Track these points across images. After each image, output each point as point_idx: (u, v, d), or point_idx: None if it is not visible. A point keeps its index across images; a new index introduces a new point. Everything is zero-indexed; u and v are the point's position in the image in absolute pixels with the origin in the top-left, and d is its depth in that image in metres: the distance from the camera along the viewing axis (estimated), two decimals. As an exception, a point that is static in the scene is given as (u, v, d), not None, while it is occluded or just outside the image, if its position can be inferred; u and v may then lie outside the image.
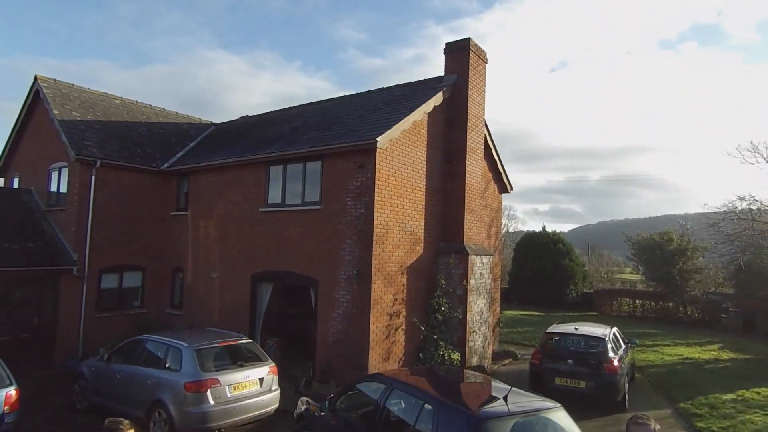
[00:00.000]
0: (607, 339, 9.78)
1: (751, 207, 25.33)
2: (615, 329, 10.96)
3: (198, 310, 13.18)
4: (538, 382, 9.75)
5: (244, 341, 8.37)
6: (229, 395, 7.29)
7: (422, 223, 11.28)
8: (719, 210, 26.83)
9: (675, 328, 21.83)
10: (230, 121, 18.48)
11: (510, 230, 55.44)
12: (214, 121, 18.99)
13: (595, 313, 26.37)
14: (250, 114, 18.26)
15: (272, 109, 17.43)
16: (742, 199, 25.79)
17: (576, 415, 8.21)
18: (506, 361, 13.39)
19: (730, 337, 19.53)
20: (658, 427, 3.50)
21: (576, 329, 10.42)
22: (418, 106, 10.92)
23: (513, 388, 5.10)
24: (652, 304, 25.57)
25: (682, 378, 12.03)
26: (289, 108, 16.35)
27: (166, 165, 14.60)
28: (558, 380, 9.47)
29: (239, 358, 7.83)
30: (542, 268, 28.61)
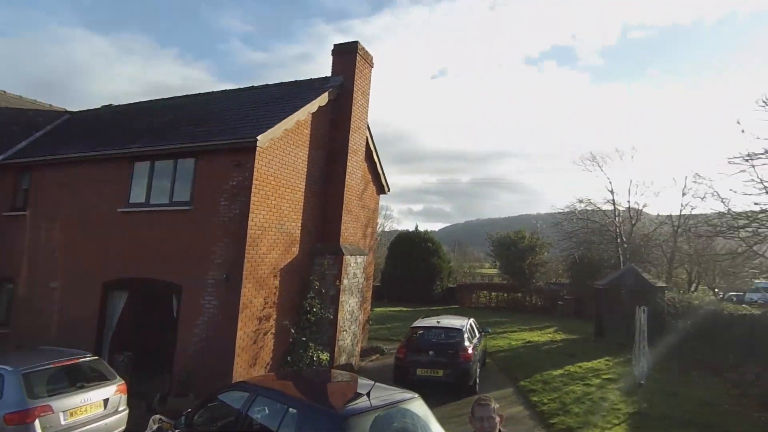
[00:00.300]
0: (464, 330, 10.77)
1: (587, 208, 29.78)
2: (472, 320, 12.10)
3: (31, 326, 11.52)
4: (402, 375, 10.34)
5: (87, 359, 7.51)
6: (63, 422, 6.48)
7: (299, 224, 11.24)
8: (563, 211, 31.07)
9: (522, 315, 24.73)
10: (89, 110, 16.40)
11: (386, 229, 57.52)
12: (70, 109, 16.68)
13: (457, 306, 28.69)
14: (116, 103, 16.41)
15: (141, 99, 15.89)
16: (581, 201, 30.18)
17: (433, 402, 8.93)
18: (374, 357, 13.95)
19: (565, 320, 22.72)
20: (497, 405, 3.95)
21: (438, 322, 11.29)
22: (303, 106, 10.87)
23: (376, 384, 5.33)
24: (505, 295, 28.63)
25: (524, 359, 13.70)
26: (162, 99, 15.04)
27: (2, 157, 12.54)
28: (420, 371, 10.15)
29: (80, 379, 7.02)
30: (413, 266, 30.25)
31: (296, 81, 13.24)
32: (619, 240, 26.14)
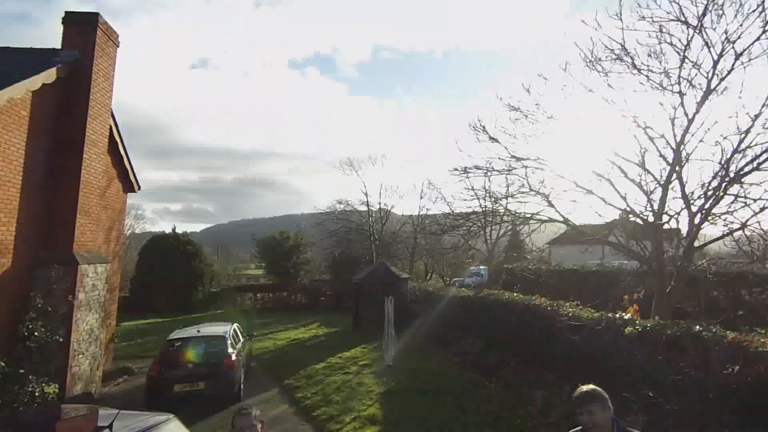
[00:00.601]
0: (227, 336, 10.31)
1: (346, 209, 32.33)
2: (235, 325, 11.70)
3: None
4: (156, 395, 9.28)
5: None
6: None
7: (13, 229, 8.87)
8: (325, 211, 32.94)
9: (288, 314, 25.21)
10: None
11: (136, 231, 50.94)
12: None
13: (221, 311, 27.43)
14: None
15: None
16: (340, 203, 32.52)
17: (196, 418, 8.38)
18: (120, 380, 12.14)
19: (327, 315, 24.09)
20: (258, 412, 3.87)
21: (198, 331, 10.52)
22: (20, 81, 8.56)
23: (121, 412, 4.62)
24: (271, 295, 28.73)
25: (289, 358, 14.01)
26: None
27: None
28: (178, 387, 9.30)
29: None
30: (171, 272, 27.54)
31: (11, 48, 10.56)
32: (372, 238, 29.24)
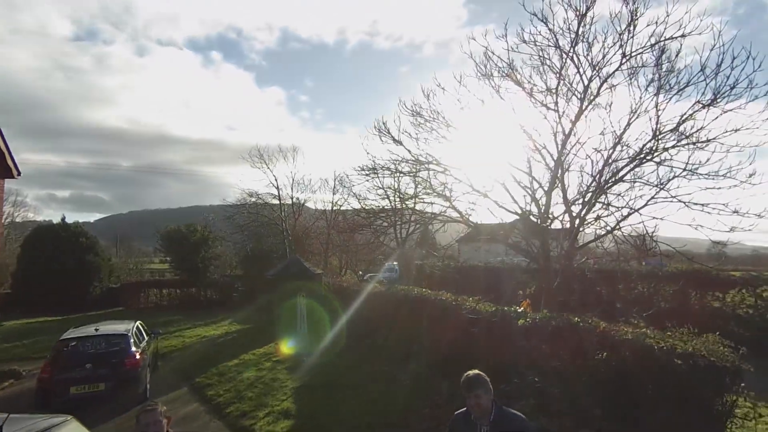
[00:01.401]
0: (129, 334, 9.84)
1: (258, 202, 31.55)
2: (138, 323, 11.16)
3: None
4: (49, 398, 8.67)
5: None
6: None
7: None
8: (234, 204, 31.90)
9: (197, 311, 24.18)
10: None
11: (17, 220, 45.75)
12: None
13: (121, 308, 25.65)
14: None
15: None
16: (251, 195, 31.67)
17: (97, 420, 7.96)
18: (6, 384, 11.08)
19: (240, 311, 23.45)
20: (164, 408, 3.92)
21: (97, 330, 9.91)
22: None
23: (11, 416, 4.38)
24: (178, 291, 27.32)
25: (200, 356, 13.62)
26: None
27: None
28: (74, 389, 8.76)
29: None
30: (61, 266, 25.18)
31: None
32: (285, 233, 28.93)
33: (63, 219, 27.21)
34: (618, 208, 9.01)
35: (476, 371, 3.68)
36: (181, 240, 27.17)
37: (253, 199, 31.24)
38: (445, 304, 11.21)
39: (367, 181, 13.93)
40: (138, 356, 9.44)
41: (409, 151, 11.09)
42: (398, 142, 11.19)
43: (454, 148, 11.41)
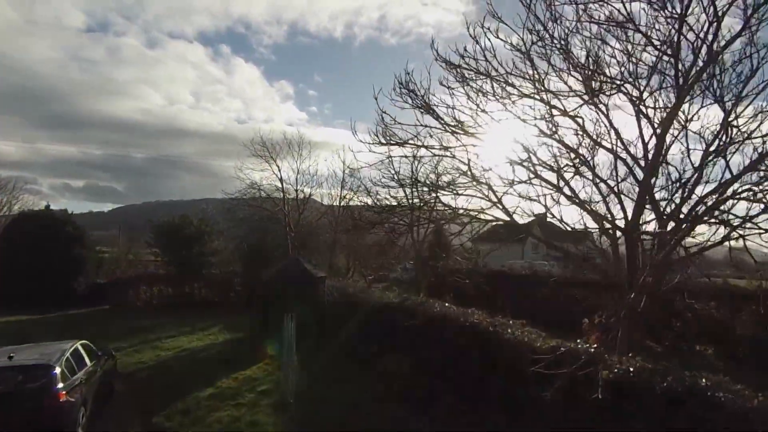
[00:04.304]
0: (55, 364, 7.29)
1: (261, 194, 29.06)
2: (79, 344, 8.66)
3: None
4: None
5: None
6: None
7: None
8: (235, 196, 29.50)
9: (189, 312, 21.62)
10: None
11: (34, 208, 43.33)
12: None
13: (107, 307, 23.38)
14: None
15: None
16: (253, 187, 29.21)
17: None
18: None
19: (235, 315, 20.78)
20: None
21: (11, 357, 7.36)
22: None
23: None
24: (170, 289, 24.89)
25: (171, 377, 11.13)
26: None
27: None
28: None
29: None
30: (44, 258, 22.96)
31: None
32: (288, 228, 26.44)
33: (47, 206, 24.94)
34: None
35: None
36: (174, 233, 24.75)
37: (256, 191, 28.75)
38: (480, 329, 8.57)
39: (382, 167, 11.19)
40: (64, 397, 6.92)
41: (439, 119, 8.17)
42: (427, 107, 8.09)
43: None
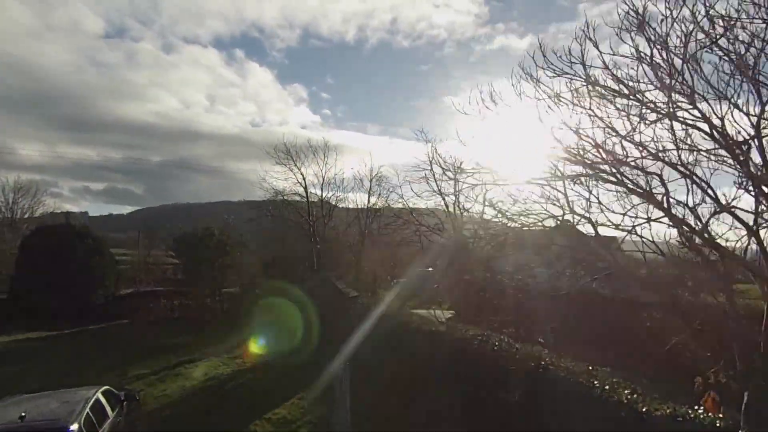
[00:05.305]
0: (71, 423, 6.23)
1: (285, 200, 28.04)
2: (102, 391, 7.62)
3: None
4: None
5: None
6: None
7: None
8: (255, 200, 28.61)
9: (211, 327, 20.72)
10: None
11: (52, 211, 42.85)
12: None
13: (127, 321, 22.59)
14: None
15: None
16: (277, 194, 28.23)
17: None
18: None
19: (259, 330, 19.70)
20: None
21: (23, 417, 6.30)
22: None
23: None
24: (191, 303, 23.95)
25: (195, 419, 10.07)
26: None
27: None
28: None
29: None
30: (63, 271, 22.26)
31: None
32: (312, 239, 25.42)
33: (66, 218, 24.33)
34: None
35: None
36: (196, 245, 23.86)
37: (279, 197, 27.69)
38: (566, 381, 7.28)
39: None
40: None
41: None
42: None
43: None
